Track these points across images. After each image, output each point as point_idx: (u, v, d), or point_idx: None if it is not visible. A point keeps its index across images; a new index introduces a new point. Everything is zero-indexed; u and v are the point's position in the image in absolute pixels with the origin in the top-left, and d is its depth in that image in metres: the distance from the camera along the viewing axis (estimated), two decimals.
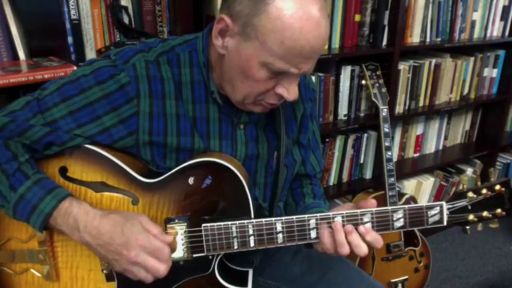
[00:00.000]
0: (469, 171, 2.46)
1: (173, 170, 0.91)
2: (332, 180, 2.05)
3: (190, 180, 0.91)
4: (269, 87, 0.86)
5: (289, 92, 0.87)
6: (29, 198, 0.85)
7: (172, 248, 0.90)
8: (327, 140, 1.94)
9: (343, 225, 0.88)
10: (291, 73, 0.83)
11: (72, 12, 1.32)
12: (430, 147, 2.41)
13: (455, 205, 0.92)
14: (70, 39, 1.34)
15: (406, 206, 0.90)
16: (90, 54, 1.39)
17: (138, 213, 0.89)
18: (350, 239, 0.87)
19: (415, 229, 1.88)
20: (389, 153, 1.81)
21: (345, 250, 0.87)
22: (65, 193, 0.87)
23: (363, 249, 0.86)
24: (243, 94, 0.88)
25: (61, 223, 0.86)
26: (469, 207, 0.93)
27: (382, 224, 0.89)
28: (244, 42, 0.82)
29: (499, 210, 0.94)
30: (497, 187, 0.93)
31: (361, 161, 2.10)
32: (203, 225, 0.90)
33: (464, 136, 2.55)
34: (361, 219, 0.89)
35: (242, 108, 0.93)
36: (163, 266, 0.84)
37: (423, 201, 2.36)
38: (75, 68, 1.23)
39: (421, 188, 2.32)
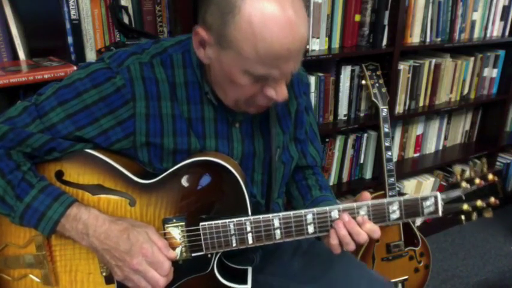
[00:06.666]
0: (469, 171, 2.46)
1: (169, 170, 0.92)
2: (332, 180, 2.05)
3: (187, 180, 0.91)
4: (257, 91, 0.86)
5: (278, 93, 0.86)
6: (36, 207, 0.85)
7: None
8: (327, 140, 1.95)
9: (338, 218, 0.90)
10: (273, 76, 0.83)
11: (72, 12, 1.33)
12: (430, 147, 2.41)
13: (449, 195, 0.94)
14: (70, 39, 1.35)
15: (402, 198, 0.91)
16: (90, 54, 1.39)
17: (146, 224, 0.90)
18: (349, 228, 0.89)
19: (415, 229, 1.88)
20: (389, 153, 1.81)
21: (351, 247, 0.90)
22: (71, 199, 0.87)
23: (363, 237, 0.89)
24: (233, 99, 0.89)
25: (69, 229, 0.86)
26: (463, 197, 0.95)
27: (378, 216, 0.91)
28: (222, 51, 0.82)
29: (492, 199, 0.96)
30: (490, 177, 0.95)
31: (361, 161, 2.10)
32: (201, 224, 0.90)
33: (464, 136, 2.55)
34: (358, 212, 0.90)
35: (237, 110, 0.94)
36: (162, 279, 0.86)
37: None
38: (75, 68, 1.23)
39: (421, 188, 2.32)
